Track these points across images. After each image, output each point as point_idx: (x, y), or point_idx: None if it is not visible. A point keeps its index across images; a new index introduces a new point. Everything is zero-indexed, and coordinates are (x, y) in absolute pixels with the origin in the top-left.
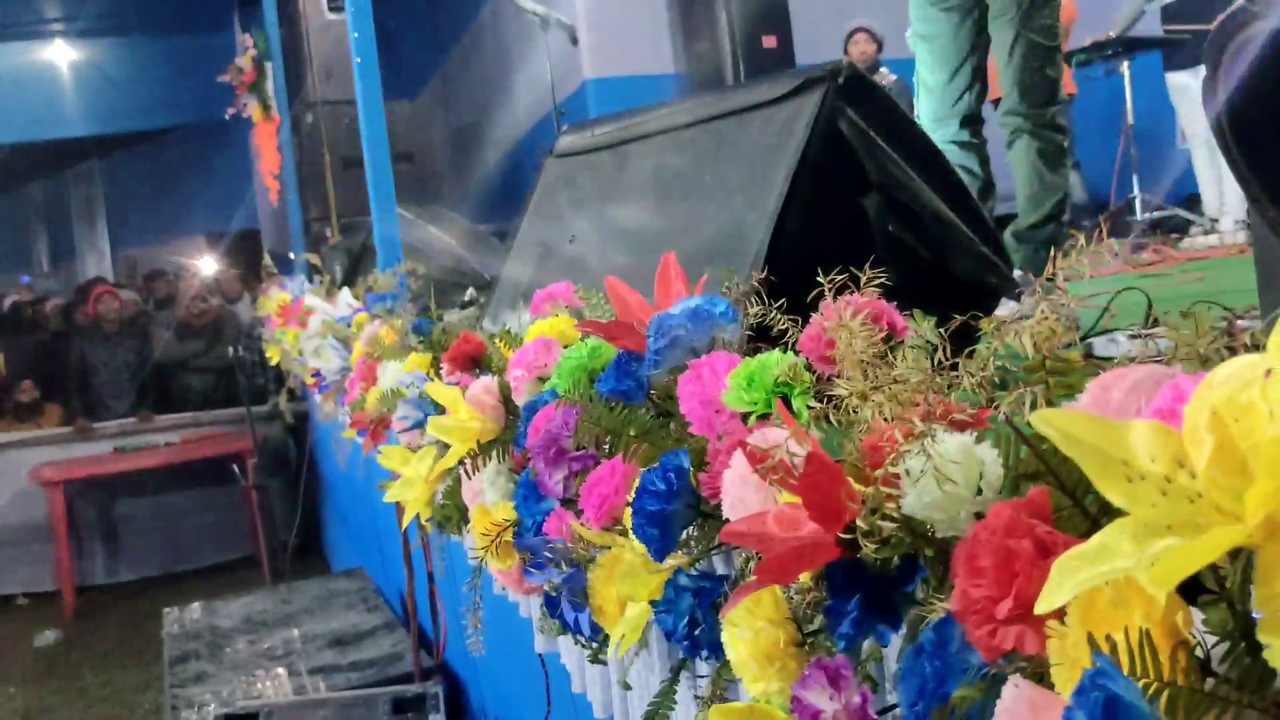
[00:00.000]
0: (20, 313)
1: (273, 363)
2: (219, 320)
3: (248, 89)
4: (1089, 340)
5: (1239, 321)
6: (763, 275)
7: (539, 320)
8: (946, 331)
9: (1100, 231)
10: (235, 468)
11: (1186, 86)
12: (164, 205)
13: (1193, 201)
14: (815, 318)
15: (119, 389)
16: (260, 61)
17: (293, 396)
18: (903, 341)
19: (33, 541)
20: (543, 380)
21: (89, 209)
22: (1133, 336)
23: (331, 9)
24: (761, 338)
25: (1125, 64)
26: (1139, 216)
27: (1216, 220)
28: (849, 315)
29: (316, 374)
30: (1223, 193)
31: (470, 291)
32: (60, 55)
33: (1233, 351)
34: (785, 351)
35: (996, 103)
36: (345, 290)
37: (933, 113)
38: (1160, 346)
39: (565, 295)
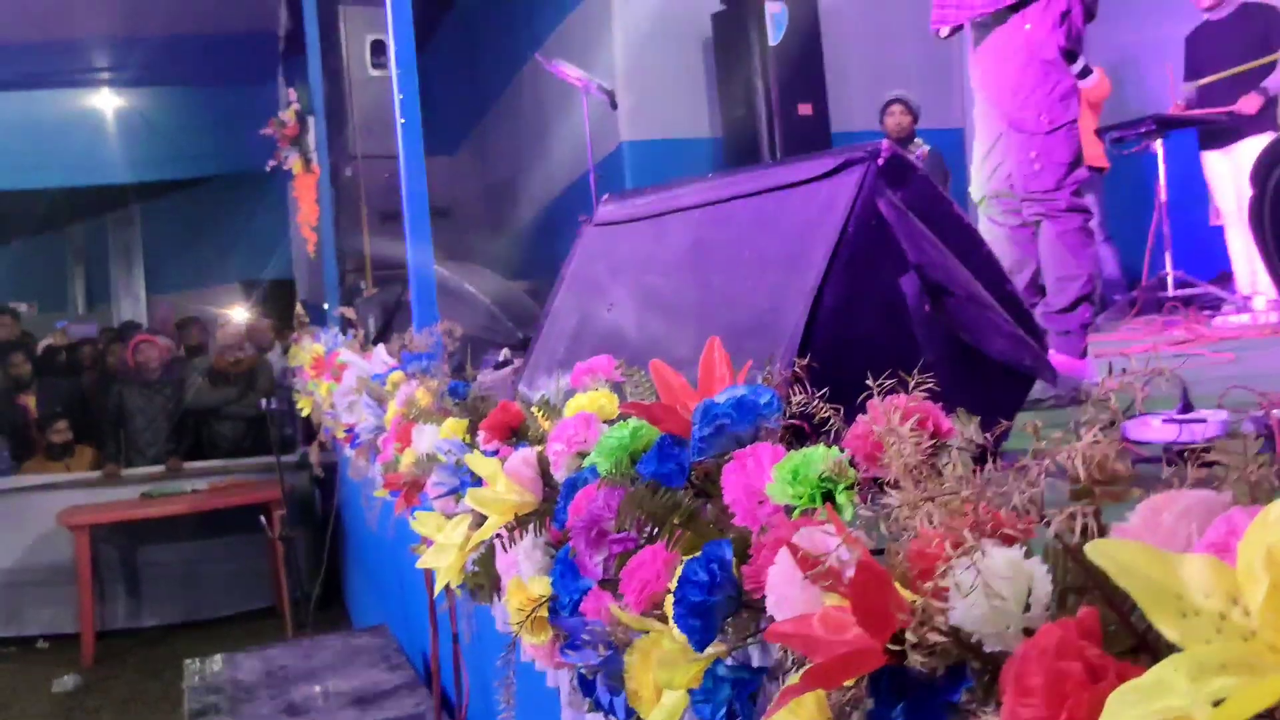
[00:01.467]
0: (55, 356)
1: (304, 414)
2: (252, 369)
3: (289, 142)
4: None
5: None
6: (804, 361)
7: (579, 394)
8: (992, 437)
9: (1134, 307)
10: (262, 518)
11: (1221, 165)
12: (201, 252)
13: (1225, 279)
14: (862, 418)
15: (153, 435)
16: (303, 116)
17: (322, 448)
18: (948, 444)
19: (56, 584)
20: (582, 455)
21: (127, 253)
22: (1167, 421)
23: (374, 65)
24: (802, 423)
25: (1158, 141)
26: (1170, 293)
27: (1249, 298)
28: (897, 420)
29: (350, 430)
30: (1255, 271)
31: (505, 352)
32: (106, 103)
33: None
34: (826, 441)
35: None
36: (380, 347)
37: (975, 188)
38: (1203, 460)
39: (606, 369)
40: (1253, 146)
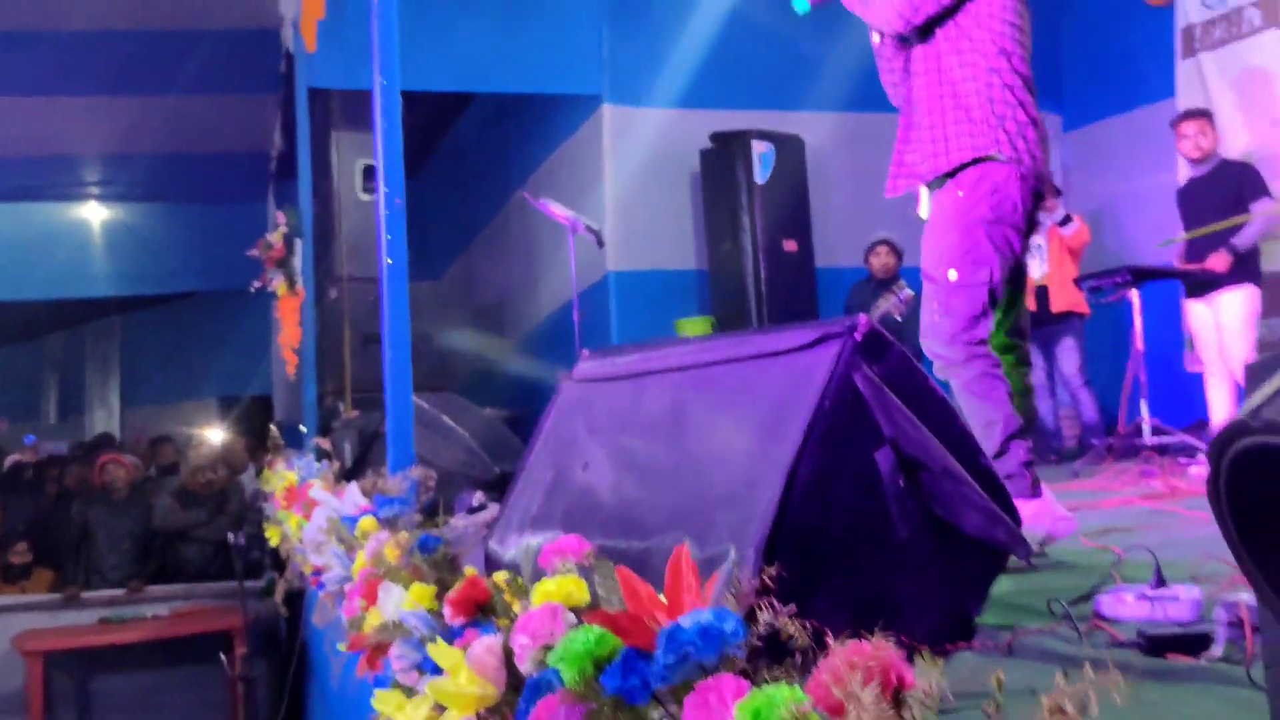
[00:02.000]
0: (21, 473)
1: (272, 543)
2: (224, 490)
3: (275, 264)
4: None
5: None
6: (772, 570)
7: (547, 578)
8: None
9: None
10: (223, 656)
11: (1202, 315)
12: (179, 367)
13: (1202, 426)
14: (824, 664)
15: (117, 557)
16: (290, 238)
17: (288, 584)
18: (909, 697)
19: (7, 713)
20: (548, 648)
21: (104, 365)
22: (1140, 598)
23: (365, 190)
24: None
25: (1134, 291)
26: (1147, 440)
27: None
28: (859, 683)
29: (317, 572)
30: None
31: (479, 496)
32: (94, 216)
33: None
34: (793, 662)
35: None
36: (354, 486)
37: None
38: None
39: (575, 552)
40: (1231, 298)
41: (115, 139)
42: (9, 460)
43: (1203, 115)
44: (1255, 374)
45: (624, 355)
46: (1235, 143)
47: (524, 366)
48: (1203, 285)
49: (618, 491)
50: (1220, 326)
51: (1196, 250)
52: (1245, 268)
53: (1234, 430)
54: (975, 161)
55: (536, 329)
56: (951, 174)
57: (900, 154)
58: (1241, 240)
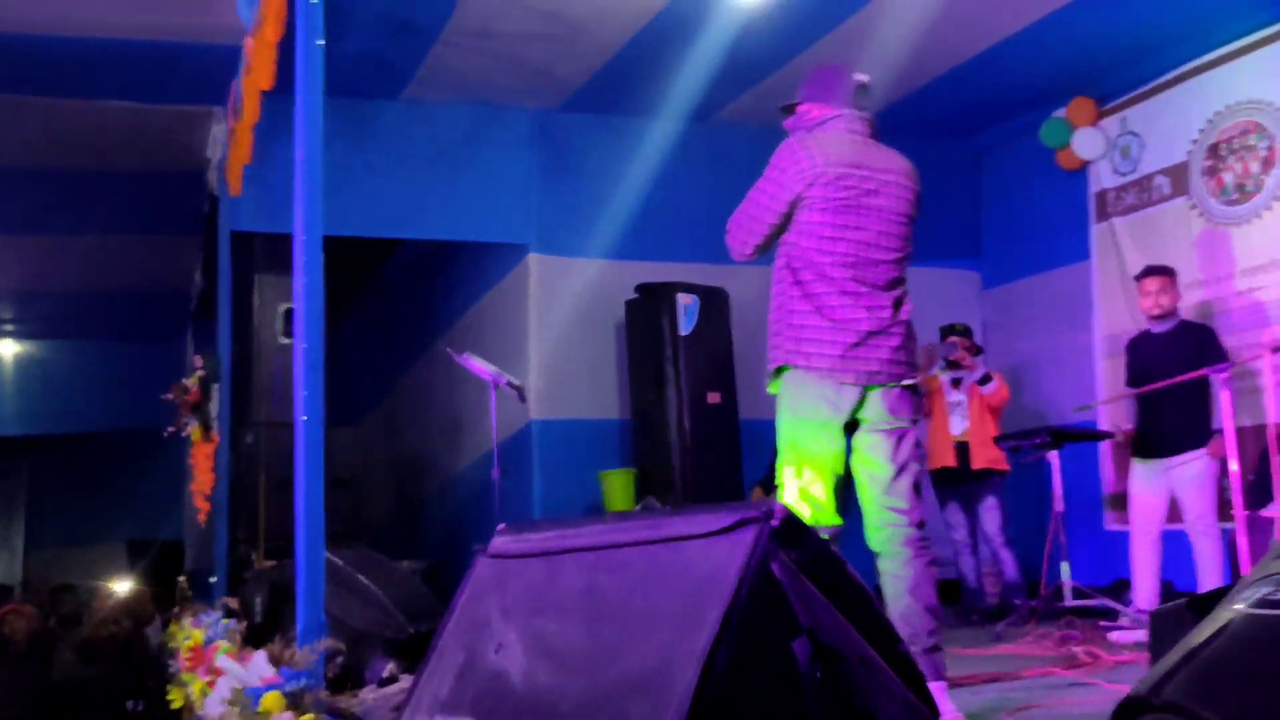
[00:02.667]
0: None
1: (173, 706)
2: (128, 645)
3: (190, 409)
4: None
5: None
6: None
7: None
8: None
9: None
10: None
11: (1145, 475)
12: (87, 510)
13: (1122, 586)
14: None
15: (14, 713)
16: (207, 383)
17: None
18: None
19: None
20: None
21: (8, 506)
22: None
23: (285, 334)
24: None
25: (1054, 452)
26: (1068, 603)
27: (1145, 614)
28: None
29: None
30: (1153, 589)
31: (390, 667)
32: (4, 351)
33: None
34: None
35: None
36: (260, 655)
37: None
38: None
39: None
40: (1188, 461)
41: (31, 276)
42: None
43: (1165, 272)
44: (1160, 623)
45: (539, 531)
46: None
47: (444, 516)
48: (1141, 444)
49: (530, 678)
50: (1176, 487)
51: (1151, 411)
52: (1201, 431)
53: (1134, 707)
54: (779, 370)
55: (457, 478)
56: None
57: None
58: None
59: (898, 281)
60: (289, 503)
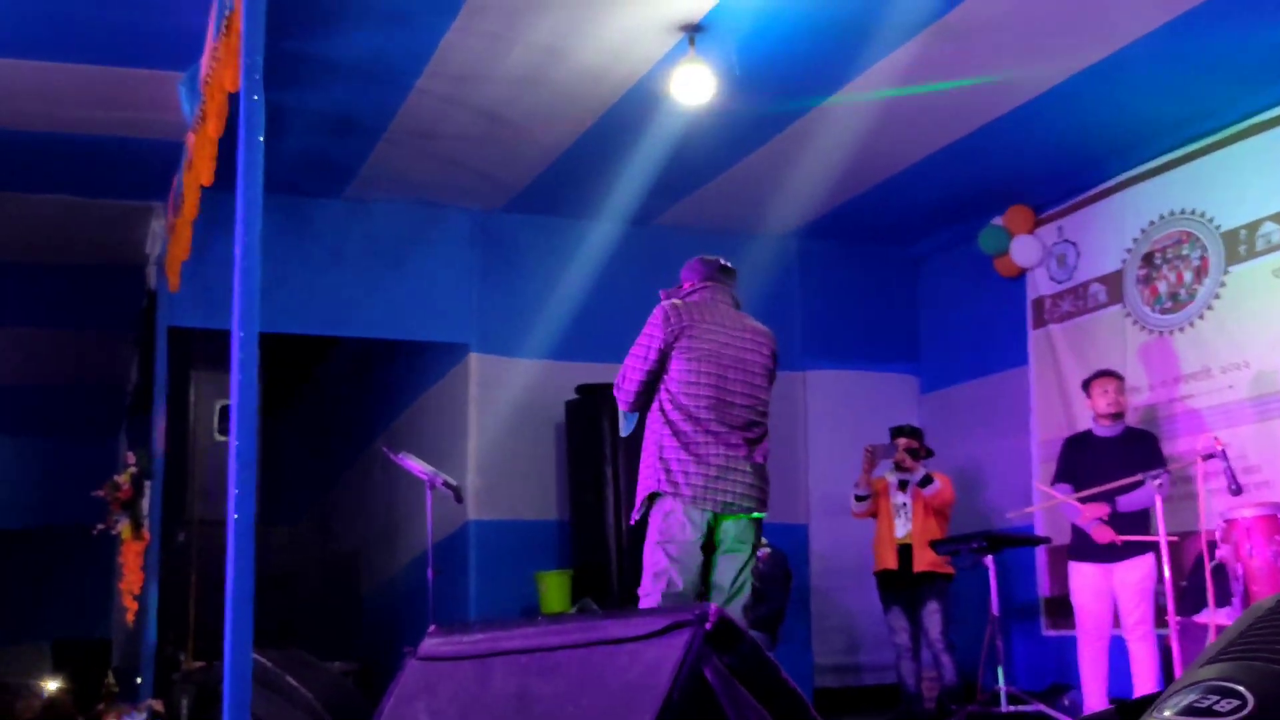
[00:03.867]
0: None
1: None
2: None
3: (121, 506)
4: None
5: None
6: None
7: None
8: None
9: None
10: None
11: (1088, 577)
12: (12, 606)
13: (1058, 690)
14: None
15: None
16: (139, 480)
17: None
18: None
19: None
20: None
21: None
22: None
23: (221, 431)
24: None
25: (990, 557)
26: (1004, 708)
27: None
28: None
29: None
30: (1102, 692)
31: None
32: None
33: None
34: None
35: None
36: None
37: None
38: None
39: None
40: (1131, 565)
41: None
42: None
43: (1119, 376)
44: None
45: (470, 634)
46: (1085, 413)
47: (379, 617)
48: (1096, 549)
49: None
50: (1117, 591)
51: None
52: (1145, 535)
53: None
54: (651, 496)
55: (393, 578)
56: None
57: None
58: (1127, 501)
59: (755, 424)
60: (221, 602)
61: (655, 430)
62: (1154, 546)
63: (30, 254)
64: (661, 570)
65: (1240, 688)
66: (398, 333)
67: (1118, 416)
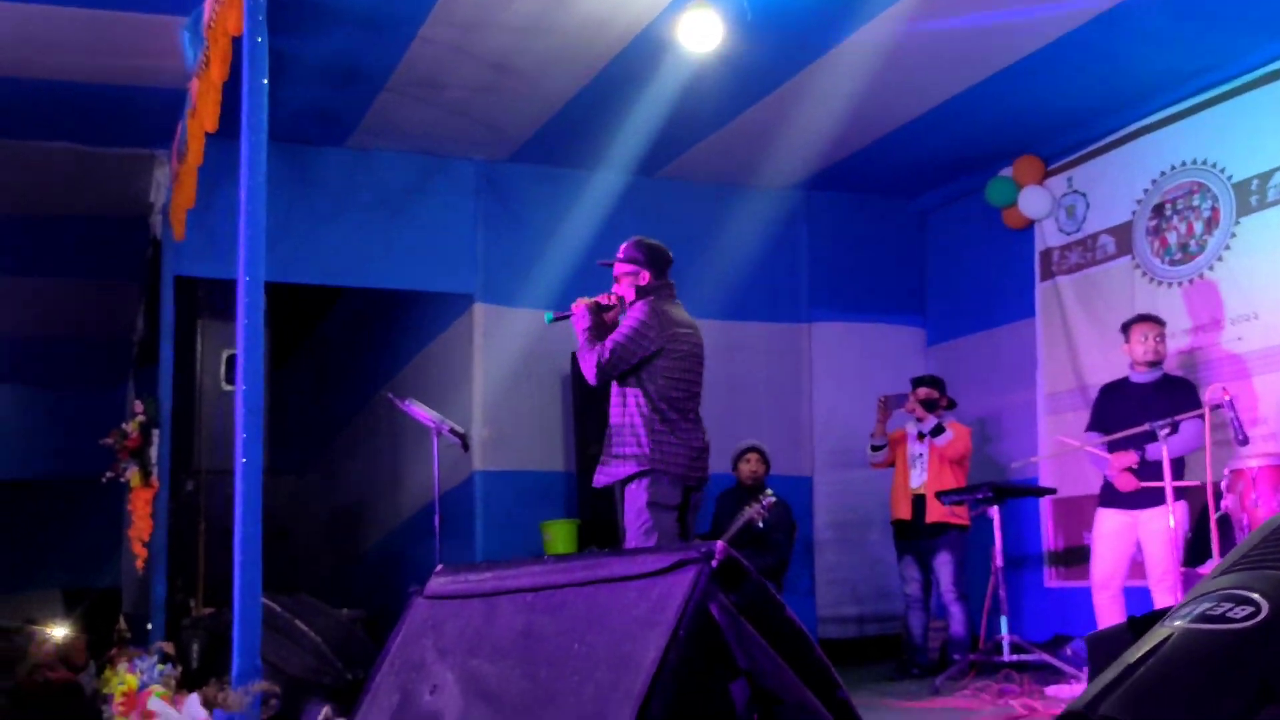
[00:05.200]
0: None
1: None
2: (63, 691)
3: (130, 454)
4: None
5: None
6: None
7: None
8: None
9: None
10: None
11: (1113, 523)
12: (22, 555)
13: (1060, 641)
14: None
15: None
16: (147, 428)
17: None
18: None
19: None
20: None
21: None
22: None
23: (228, 380)
24: None
25: (995, 507)
26: (1006, 658)
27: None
28: None
29: None
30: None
31: (325, 711)
32: None
33: None
34: None
35: None
36: (194, 698)
37: None
38: None
39: None
40: (1157, 513)
41: None
42: None
43: (1160, 322)
44: (1098, 645)
45: (478, 572)
46: (1092, 365)
47: (384, 567)
48: (1124, 497)
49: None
50: (1143, 539)
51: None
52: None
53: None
54: (643, 471)
55: (398, 527)
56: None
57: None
58: (1155, 450)
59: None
60: (229, 551)
61: (642, 415)
62: (1184, 494)
63: (34, 204)
64: (650, 528)
65: (1254, 595)
66: (402, 283)
67: (1155, 364)
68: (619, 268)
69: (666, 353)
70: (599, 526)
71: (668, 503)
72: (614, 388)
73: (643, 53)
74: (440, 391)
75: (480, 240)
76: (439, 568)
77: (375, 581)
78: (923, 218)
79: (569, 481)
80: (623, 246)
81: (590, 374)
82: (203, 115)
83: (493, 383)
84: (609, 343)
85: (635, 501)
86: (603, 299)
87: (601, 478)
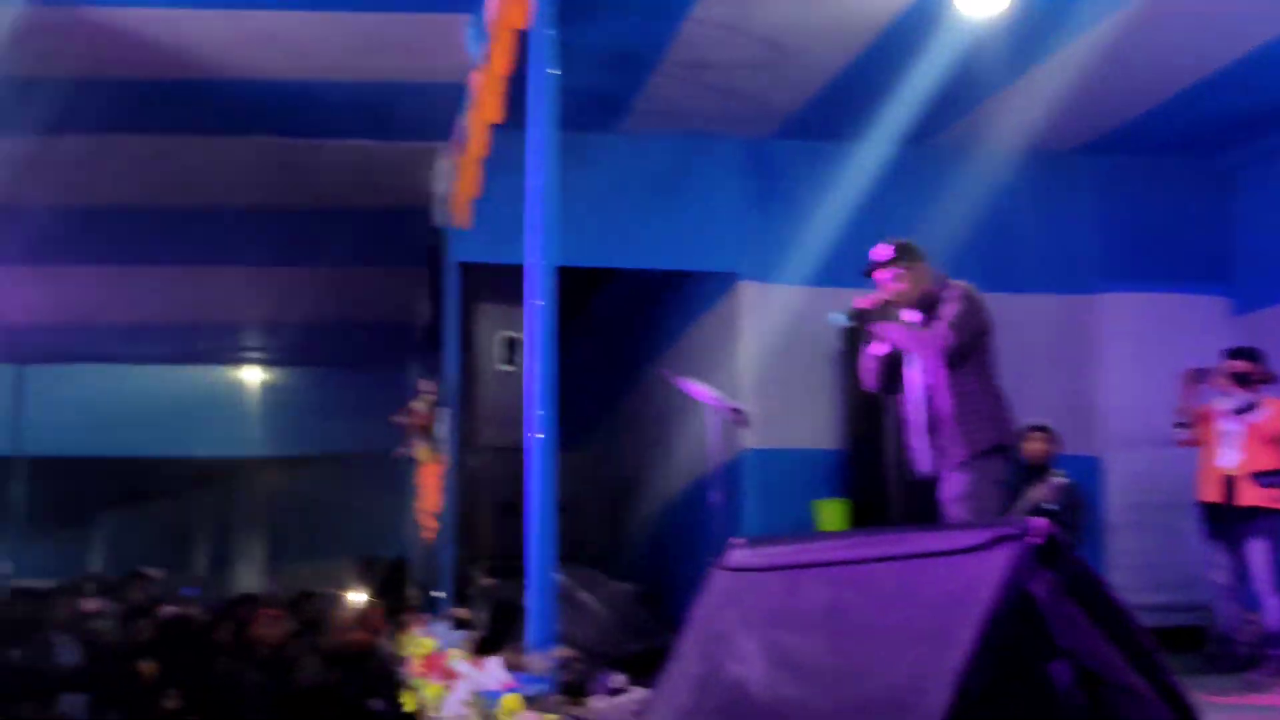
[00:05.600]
0: (180, 626)
1: (406, 709)
2: (364, 652)
3: (419, 431)
4: None
5: None
6: None
7: None
8: None
9: None
10: None
11: None
12: (321, 527)
13: None
14: None
15: (261, 710)
16: (435, 407)
17: None
18: None
19: None
20: None
21: (250, 524)
22: None
23: (503, 361)
24: None
25: None
26: None
27: None
28: None
29: None
30: None
31: (620, 678)
32: (252, 378)
33: None
34: None
35: None
36: (496, 660)
37: None
38: None
39: None
40: None
41: (272, 308)
42: (166, 611)
43: None
44: None
45: (775, 546)
46: None
47: (654, 543)
48: None
49: (772, 690)
50: None
51: None
52: None
53: None
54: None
55: (668, 504)
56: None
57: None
58: None
59: None
60: (510, 525)
61: (985, 395)
62: None
63: (325, 199)
64: (993, 506)
65: None
66: (670, 263)
67: None
68: (887, 273)
69: (992, 331)
70: (870, 507)
71: (1007, 479)
72: (943, 377)
73: (918, 19)
74: (708, 369)
75: (746, 218)
76: (737, 540)
77: (648, 556)
78: (1228, 177)
79: (838, 460)
80: (882, 251)
81: (933, 357)
82: (486, 108)
83: (759, 360)
84: (942, 327)
85: (983, 478)
86: (887, 295)
87: (937, 463)
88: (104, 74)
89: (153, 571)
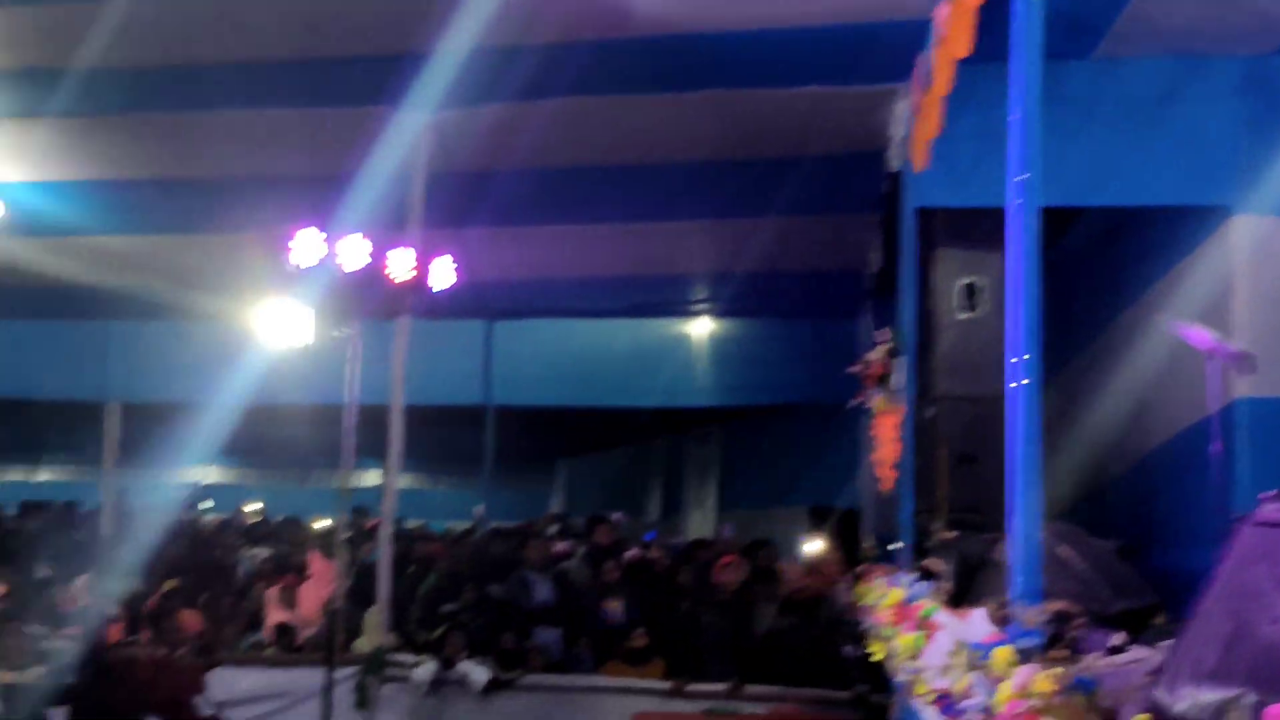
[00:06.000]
0: (643, 568)
1: (875, 658)
2: (818, 600)
3: (875, 381)
4: None
5: None
6: None
7: None
8: None
9: None
10: None
11: None
12: (771, 475)
13: None
14: None
15: (720, 652)
16: (891, 356)
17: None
18: None
19: None
20: None
21: (702, 471)
22: None
23: (961, 308)
24: None
25: None
26: None
27: None
28: None
29: (943, 697)
30: None
31: (1119, 636)
32: (700, 330)
33: None
34: None
35: None
36: (980, 612)
37: None
38: None
39: None
40: None
41: (721, 259)
42: (630, 554)
43: None
44: None
45: None
46: None
47: (1133, 496)
48: None
49: None
50: None
51: None
52: None
53: None
54: None
55: (1146, 456)
56: None
57: None
58: None
59: None
60: (969, 477)
61: None
62: None
63: (775, 148)
64: None
65: None
66: (1152, 198)
67: None
68: None
69: None
70: None
71: None
72: None
73: None
74: (1189, 313)
75: (1241, 146)
76: (1267, 494)
77: (1125, 511)
78: None
79: None
80: None
81: None
82: (953, 42)
83: (1258, 303)
84: None
85: None
86: None
87: None
88: (575, 39)
89: (614, 516)
